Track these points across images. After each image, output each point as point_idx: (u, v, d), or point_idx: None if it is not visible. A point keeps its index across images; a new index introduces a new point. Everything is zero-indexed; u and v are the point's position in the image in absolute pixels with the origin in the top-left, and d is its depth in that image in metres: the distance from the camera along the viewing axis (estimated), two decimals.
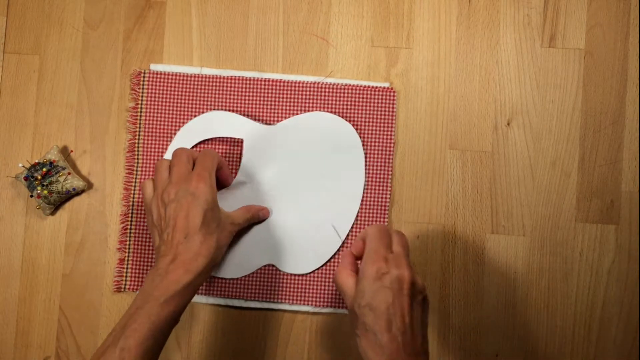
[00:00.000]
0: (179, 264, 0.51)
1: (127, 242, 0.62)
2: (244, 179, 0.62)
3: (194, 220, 0.52)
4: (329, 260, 0.62)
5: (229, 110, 0.63)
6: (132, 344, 0.47)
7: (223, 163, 0.59)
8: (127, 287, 0.62)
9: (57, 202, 0.61)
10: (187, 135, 0.62)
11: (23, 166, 0.60)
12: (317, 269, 0.61)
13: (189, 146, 0.61)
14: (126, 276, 0.62)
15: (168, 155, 0.60)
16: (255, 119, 0.63)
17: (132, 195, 0.62)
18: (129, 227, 0.62)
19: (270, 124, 0.62)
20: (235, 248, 0.61)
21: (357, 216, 0.62)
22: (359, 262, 0.51)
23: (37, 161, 0.60)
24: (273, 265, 0.61)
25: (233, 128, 0.62)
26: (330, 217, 0.61)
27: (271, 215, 0.61)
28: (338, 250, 0.61)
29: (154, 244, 0.55)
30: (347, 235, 0.62)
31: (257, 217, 0.61)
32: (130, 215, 0.62)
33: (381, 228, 0.51)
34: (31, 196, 0.61)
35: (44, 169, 0.60)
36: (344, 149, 0.62)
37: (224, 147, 0.63)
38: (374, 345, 0.46)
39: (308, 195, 0.62)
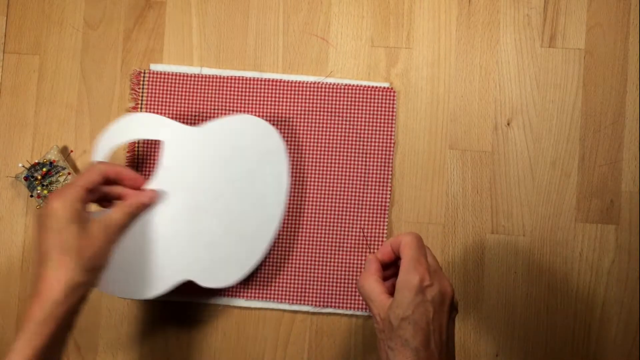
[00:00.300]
0: (35, 299, 0.47)
1: None
2: (159, 184, 0.56)
3: (44, 245, 0.48)
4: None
5: (230, 110, 0.63)
6: None
7: (122, 174, 0.54)
8: None
9: None
10: (109, 139, 0.56)
11: (23, 166, 0.60)
12: (238, 279, 0.57)
13: (109, 150, 0.56)
14: None
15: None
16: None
17: None
18: None
19: (195, 126, 0.58)
20: (144, 265, 0.55)
21: (354, 217, 0.62)
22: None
23: (37, 161, 0.60)
24: (191, 281, 0.56)
25: (153, 130, 0.57)
26: (254, 225, 0.57)
27: (190, 225, 0.56)
28: (261, 260, 0.58)
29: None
30: (274, 241, 0.60)
31: (140, 208, 0.54)
32: None
33: (418, 237, 0.48)
34: (31, 196, 0.61)
35: (44, 169, 0.60)
36: (268, 154, 0.58)
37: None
38: None
39: (230, 202, 0.57)
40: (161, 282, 0.55)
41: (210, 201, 0.57)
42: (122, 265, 0.54)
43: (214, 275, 0.57)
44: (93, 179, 0.51)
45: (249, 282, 0.62)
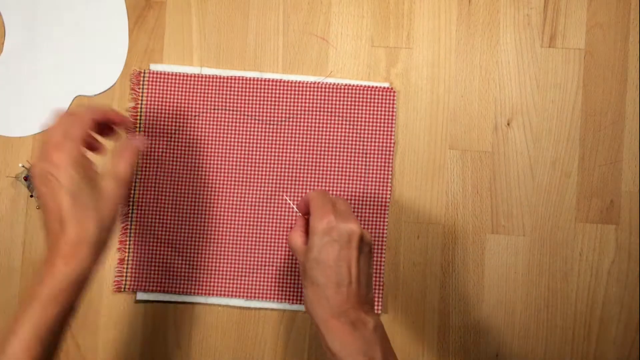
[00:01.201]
0: (59, 258, 0.44)
1: (127, 242, 0.62)
2: None
3: (62, 204, 0.45)
4: None
5: (230, 110, 0.63)
6: (18, 352, 0.43)
7: (110, 116, 0.51)
8: (127, 287, 0.62)
9: None
10: None
11: (23, 166, 0.60)
12: None
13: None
14: (126, 276, 0.62)
15: None
16: (255, 120, 0.63)
17: (132, 195, 0.62)
18: (128, 226, 0.62)
19: None
20: None
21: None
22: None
23: None
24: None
25: None
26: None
27: None
28: None
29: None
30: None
31: (137, 155, 0.53)
32: (130, 214, 0.62)
33: (323, 191, 0.53)
34: (31, 196, 0.61)
35: None
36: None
37: None
38: (320, 297, 0.48)
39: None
40: None
41: None
42: None
43: None
44: (87, 126, 0.48)
45: (249, 282, 0.62)
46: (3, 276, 0.62)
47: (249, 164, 0.63)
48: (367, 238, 0.50)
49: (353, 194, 0.62)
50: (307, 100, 0.63)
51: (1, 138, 0.63)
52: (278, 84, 0.63)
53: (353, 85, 0.63)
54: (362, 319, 0.47)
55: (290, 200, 0.62)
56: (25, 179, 0.60)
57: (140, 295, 0.62)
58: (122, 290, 0.62)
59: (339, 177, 0.62)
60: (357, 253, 0.49)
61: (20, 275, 0.62)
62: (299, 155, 0.63)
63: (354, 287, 0.48)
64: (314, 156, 0.63)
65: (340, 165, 0.63)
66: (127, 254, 0.62)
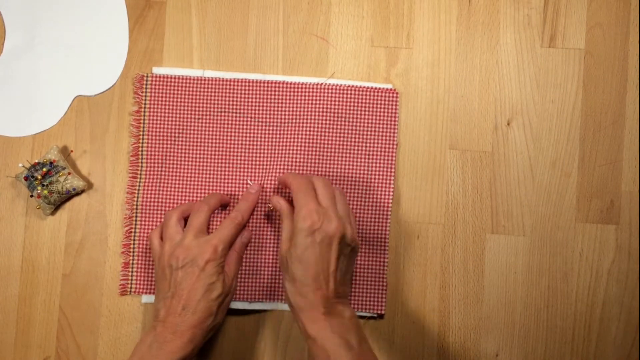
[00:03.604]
0: (178, 335, 0.52)
1: (132, 246, 0.62)
2: None
3: (195, 295, 0.54)
4: None
5: (233, 113, 0.63)
6: None
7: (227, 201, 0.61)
8: (133, 290, 0.62)
9: (57, 202, 0.61)
10: None
11: (23, 166, 0.60)
12: None
13: None
14: (132, 279, 0.62)
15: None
16: (258, 122, 0.63)
17: (136, 199, 0.62)
18: (133, 230, 0.62)
19: None
20: None
21: (356, 217, 0.62)
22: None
23: (37, 161, 0.60)
24: None
25: None
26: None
27: None
28: None
29: (156, 295, 0.57)
30: None
31: (248, 210, 0.61)
32: (134, 218, 0.62)
33: (302, 180, 0.56)
34: (31, 196, 0.61)
35: (44, 169, 0.60)
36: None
37: None
38: (300, 292, 0.52)
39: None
40: None
41: None
42: None
43: None
44: (235, 236, 0.58)
45: (252, 284, 0.62)
46: (3, 276, 0.62)
47: (253, 166, 0.63)
48: (349, 238, 0.53)
49: (356, 195, 0.62)
50: (310, 102, 0.63)
51: (1, 138, 0.63)
52: (281, 85, 0.63)
53: (356, 87, 0.63)
54: (338, 310, 0.52)
55: (251, 181, 0.62)
56: (26, 179, 0.60)
57: (146, 298, 0.62)
58: (128, 293, 0.62)
59: (342, 178, 0.62)
60: (337, 254, 0.53)
61: (20, 275, 0.62)
62: (302, 156, 0.62)
63: (331, 285, 0.52)
64: (317, 158, 0.62)
65: (343, 167, 0.63)
66: (131, 258, 0.62)
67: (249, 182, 0.62)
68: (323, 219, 0.52)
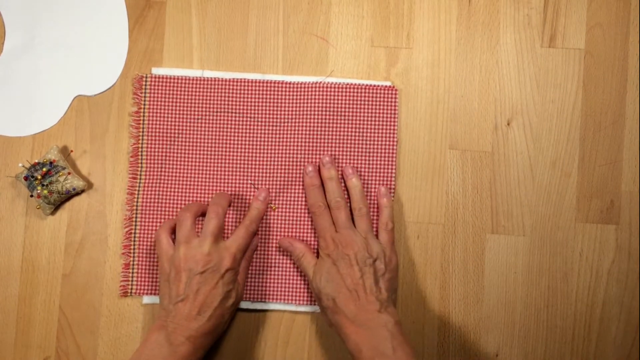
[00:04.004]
0: (191, 340, 0.53)
1: (132, 247, 0.62)
2: None
3: (213, 302, 0.55)
4: None
5: (232, 113, 0.63)
6: None
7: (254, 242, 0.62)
8: (134, 291, 0.62)
9: (57, 202, 0.61)
10: None
11: (23, 166, 0.60)
12: None
13: None
14: (132, 280, 0.62)
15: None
16: (258, 121, 0.63)
17: (136, 200, 0.62)
18: (133, 231, 0.62)
19: None
20: None
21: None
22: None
23: (37, 161, 0.60)
24: None
25: None
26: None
27: None
28: None
29: (161, 295, 0.57)
30: None
31: (258, 216, 0.61)
32: (134, 219, 0.62)
33: (315, 203, 0.60)
34: (31, 196, 0.61)
35: (44, 169, 0.60)
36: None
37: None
38: (343, 317, 0.53)
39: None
40: None
41: None
42: None
43: None
44: (249, 243, 0.60)
45: (254, 285, 0.62)
46: (3, 276, 0.62)
47: (253, 166, 0.63)
48: (363, 254, 0.56)
49: None
50: (309, 101, 0.63)
51: (1, 138, 0.63)
52: (280, 85, 0.63)
53: (355, 85, 0.63)
54: (375, 319, 0.53)
55: (255, 187, 0.62)
56: (26, 179, 0.60)
57: (147, 299, 0.62)
58: (129, 294, 0.62)
59: (342, 178, 0.62)
60: (359, 272, 0.55)
61: (20, 275, 0.62)
62: (302, 156, 0.62)
63: (363, 300, 0.54)
64: (318, 157, 0.62)
65: (344, 165, 0.62)
66: (132, 259, 0.62)
67: (250, 182, 0.62)
68: (338, 243, 0.57)
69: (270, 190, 0.62)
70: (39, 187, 0.60)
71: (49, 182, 0.60)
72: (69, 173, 0.61)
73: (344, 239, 0.57)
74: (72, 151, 0.63)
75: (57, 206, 0.62)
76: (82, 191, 0.62)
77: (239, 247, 0.57)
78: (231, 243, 0.57)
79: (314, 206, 0.60)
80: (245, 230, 0.58)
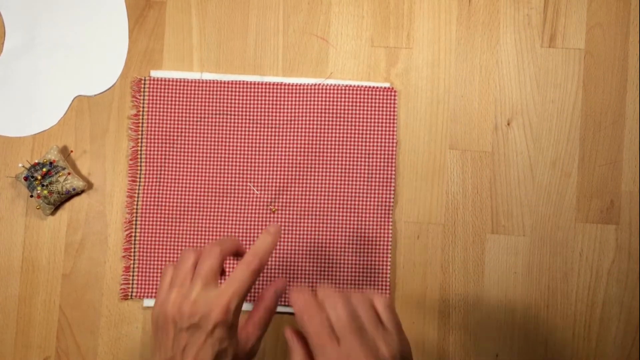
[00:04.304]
0: None
1: (132, 249, 0.62)
2: None
3: (199, 353, 0.44)
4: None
5: (231, 115, 0.63)
6: None
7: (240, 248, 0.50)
8: (135, 294, 0.62)
9: (57, 202, 0.61)
10: None
11: (23, 166, 0.60)
12: None
13: None
14: (133, 283, 0.62)
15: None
16: (257, 123, 0.63)
17: (135, 202, 0.62)
18: (133, 234, 0.62)
19: None
20: None
21: (358, 218, 0.62)
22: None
23: (37, 161, 0.60)
24: None
25: None
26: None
27: None
28: None
29: (151, 346, 0.50)
30: None
31: (265, 255, 0.49)
32: (134, 222, 0.62)
33: (305, 302, 0.45)
34: (31, 196, 0.61)
35: (44, 169, 0.60)
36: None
37: None
38: None
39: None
40: None
41: None
42: None
43: None
44: (250, 286, 0.47)
45: (255, 286, 0.62)
46: (3, 276, 0.62)
47: (252, 168, 0.63)
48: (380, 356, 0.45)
49: (357, 195, 0.62)
50: (309, 103, 0.63)
51: (1, 138, 0.63)
52: (279, 87, 0.63)
53: (353, 86, 0.63)
54: None
55: (258, 191, 0.61)
56: (25, 179, 0.60)
57: (148, 302, 0.62)
58: (129, 297, 0.62)
59: (343, 178, 0.62)
60: None
61: (20, 275, 0.62)
62: (302, 158, 0.62)
63: None
64: (317, 158, 0.62)
65: (344, 167, 0.63)
66: (132, 262, 0.62)
67: (249, 185, 0.62)
68: (343, 347, 0.43)
69: (270, 191, 0.62)
70: (39, 188, 0.60)
71: (49, 182, 0.60)
72: (69, 173, 0.61)
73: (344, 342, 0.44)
74: (72, 151, 0.63)
75: (57, 206, 0.62)
76: (82, 191, 0.62)
77: (235, 292, 0.45)
78: (225, 288, 0.45)
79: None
80: (246, 267, 0.46)
